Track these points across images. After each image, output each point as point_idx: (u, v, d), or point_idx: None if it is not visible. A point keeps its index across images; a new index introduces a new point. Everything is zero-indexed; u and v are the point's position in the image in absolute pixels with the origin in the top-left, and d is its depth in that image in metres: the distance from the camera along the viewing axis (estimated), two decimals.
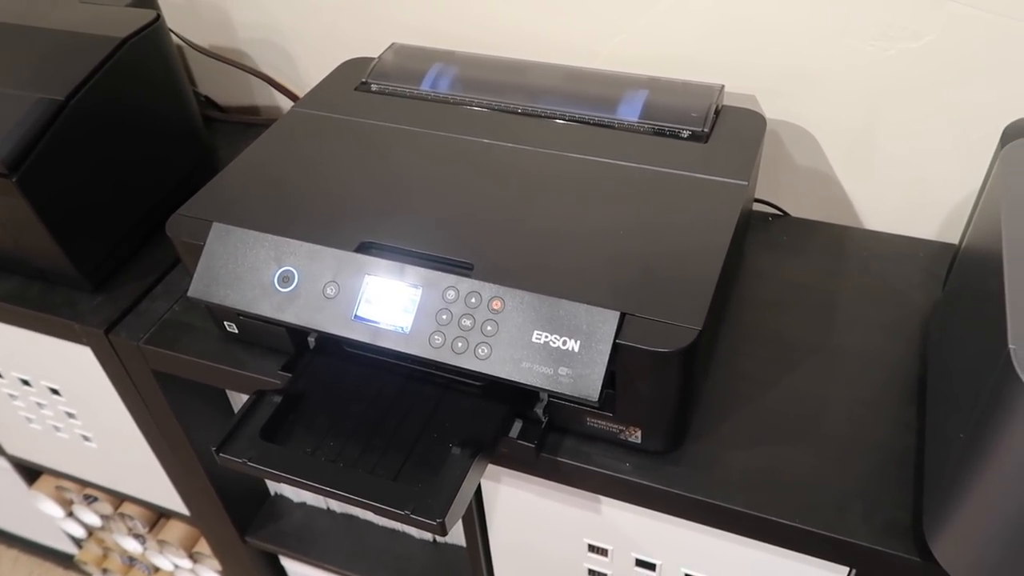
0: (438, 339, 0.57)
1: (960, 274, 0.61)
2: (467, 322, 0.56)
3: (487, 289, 0.56)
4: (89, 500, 1.11)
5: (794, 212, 0.83)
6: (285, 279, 0.61)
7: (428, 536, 0.95)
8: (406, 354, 0.58)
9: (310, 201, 0.66)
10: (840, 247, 0.78)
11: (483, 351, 0.56)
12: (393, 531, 0.97)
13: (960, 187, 0.76)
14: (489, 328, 0.56)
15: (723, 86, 0.75)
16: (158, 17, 0.80)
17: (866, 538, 0.55)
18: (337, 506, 0.99)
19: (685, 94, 0.75)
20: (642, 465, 0.61)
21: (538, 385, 0.54)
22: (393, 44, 0.85)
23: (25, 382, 0.93)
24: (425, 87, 0.80)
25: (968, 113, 0.71)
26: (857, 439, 0.62)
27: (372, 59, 0.84)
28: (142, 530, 1.10)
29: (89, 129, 0.74)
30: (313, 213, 0.65)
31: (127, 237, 0.82)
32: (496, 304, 0.56)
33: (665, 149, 0.69)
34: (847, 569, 0.61)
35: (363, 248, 0.61)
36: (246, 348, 0.73)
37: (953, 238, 0.78)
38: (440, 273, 0.58)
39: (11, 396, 0.97)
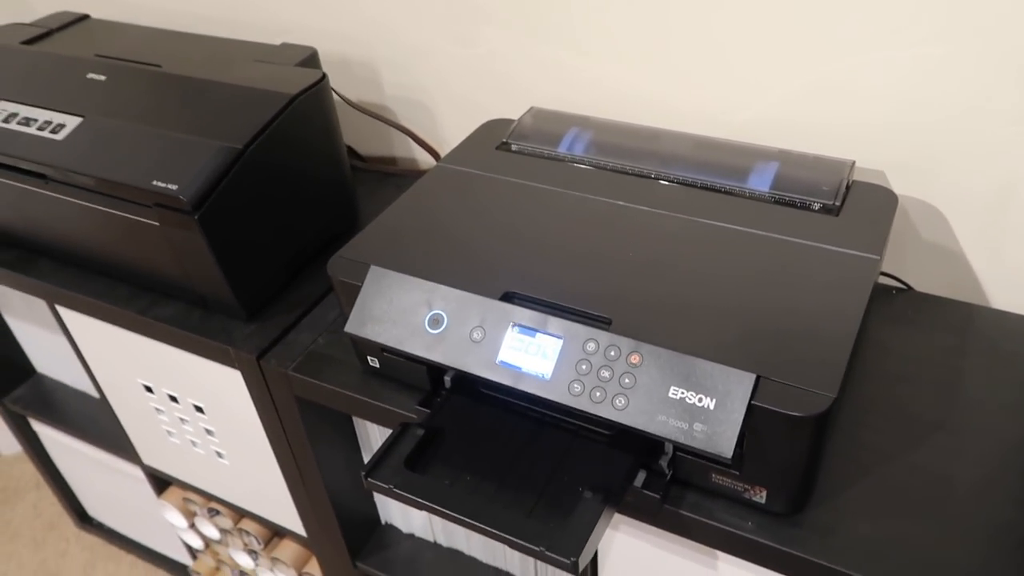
0: (577, 387, 0.61)
1: None
2: (606, 373, 0.60)
3: (626, 343, 0.60)
4: (212, 513, 1.18)
5: (918, 287, 0.84)
6: (435, 321, 0.66)
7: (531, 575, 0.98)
8: (545, 399, 0.62)
9: (458, 251, 0.72)
10: (966, 324, 0.79)
11: (620, 402, 0.59)
12: (497, 570, 1.00)
13: None
14: (627, 381, 0.59)
15: (854, 161, 0.77)
16: (324, 76, 0.88)
17: None
18: (444, 539, 1.03)
19: (816, 168, 0.77)
20: (764, 525, 0.63)
21: (673, 438, 0.57)
22: (531, 108, 0.91)
23: (173, 398, 1.01)
24: (562, 149, 0.85)
25: None
26: (981, 518, 0.62)
27: (511, 120, 0.90)
28: (257, 546, 1.17)
29: (261, 175, 0.82)
30: (461, 262, 0.70)
31: (280, 273, 0.90)
32: (634, 358, 0.60)
33: (796, 220, 0.72)
34: None
35: (507, 297, 0.66)
36: (384, 382, 0.78)
37: None
38: (581, 325, 0.62)
39: (157, 410, 1.05)
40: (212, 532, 1.22)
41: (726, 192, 0.77)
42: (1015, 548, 0.59)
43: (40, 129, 0.87)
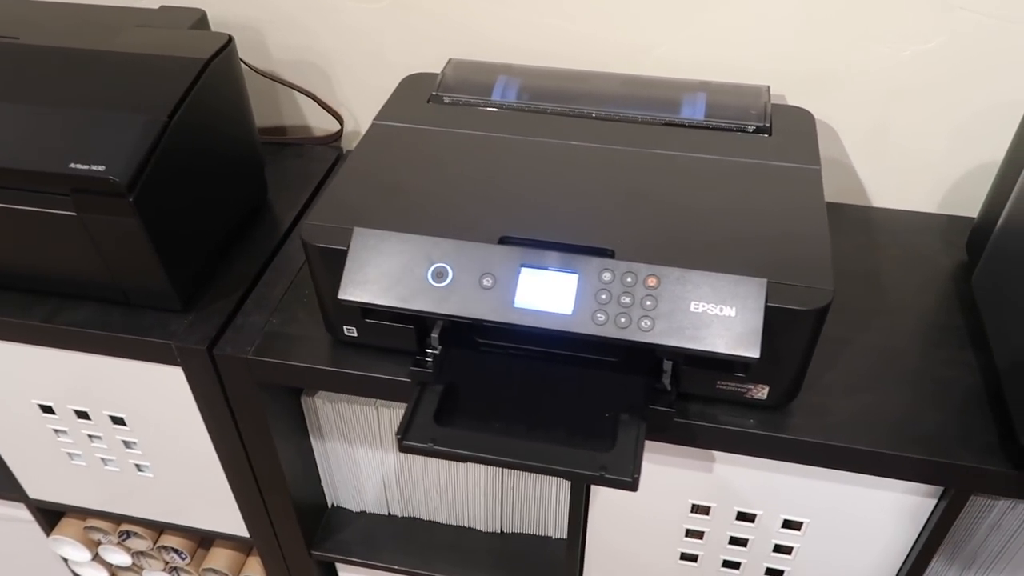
0: (601, 317, 0.63)
1: (1009, 238, 0.72)
2: (626, 299, 0.63)
3: (642, 268, 0.63)
4: (123, 537, 1.07)
5: None
6: (439, 275, 0.65)
7: (495, 528, 0.99)
8: (571, 334, 0.63)
9: (437, 203, 0.71)
10: (867, 224, 0.90)
11: (646, 324, 0.62)
12: (458, 528, 1.00)
13: (955, 169, 0.89)
14: (648, 303, 0.62)
15: (769, 87, 0.85)
16: (230, 39, 0.82)
17: (970, 459, 0.65)
18: (399, 510, 1.01)
19: (738, 95, 0.84)
20: (764, 420, 0.69)
21: (705, 348, 0.61)
22: (450, 60, 0.90)
23: (82, 414, 0.90)
24: (496, 97, 0.85)
25: (970, 108, 0.85)
26: (934, 380, 0.72)
27: (431, 74, 0.88)
28: (181, 561, 1.08)
29: (185, 148, 0.75)
30: (445, 213, 0.69)
31: (209, 255, 0.83)
32: (651, 281, 0.63)
33: (738, 142, 0.78)
34: (940, 489, 0.71)
35: (505, 241, 0.66)
36: (358, 351, 0.76)
37: (952, 210, 0.91)
38: (593, 258, 0.64)
39: (56, 431, 0.93)
40: (121, 558, 1.10)
41: (667, 124, 0.81)
42: (967, 399, 0.70)
43: None
